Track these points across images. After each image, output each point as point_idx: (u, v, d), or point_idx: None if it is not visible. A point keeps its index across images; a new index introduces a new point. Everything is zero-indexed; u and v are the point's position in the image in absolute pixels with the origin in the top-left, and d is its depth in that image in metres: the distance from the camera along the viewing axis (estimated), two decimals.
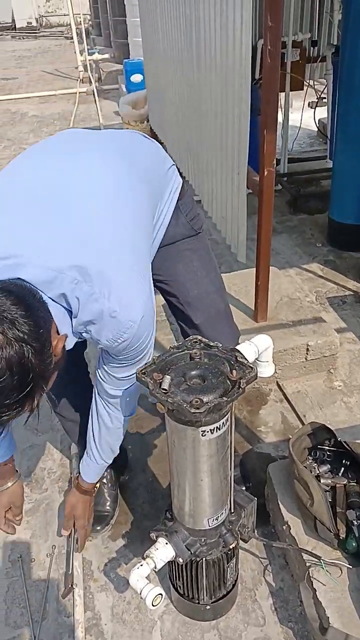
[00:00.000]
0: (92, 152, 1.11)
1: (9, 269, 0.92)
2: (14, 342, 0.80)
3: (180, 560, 1.17)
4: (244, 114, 2.04)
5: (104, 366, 1.16)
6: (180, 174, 1.33)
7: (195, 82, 2.73)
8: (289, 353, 2.02)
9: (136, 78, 5.88)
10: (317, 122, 4.28)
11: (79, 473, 1.39)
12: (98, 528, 1.57)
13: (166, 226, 1.25)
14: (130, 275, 1.01)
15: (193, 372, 1.02)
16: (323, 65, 3.73)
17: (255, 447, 1.82)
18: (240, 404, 1.99)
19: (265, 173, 1.83)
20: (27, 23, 16.35)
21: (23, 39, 15.25)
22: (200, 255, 1.34)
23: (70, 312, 0.99)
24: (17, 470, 1.43)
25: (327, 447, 1.50)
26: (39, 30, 16.19)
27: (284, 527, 1.41)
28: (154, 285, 1.12)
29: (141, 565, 1.14)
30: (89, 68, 8.29)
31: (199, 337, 1.11)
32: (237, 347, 1.21)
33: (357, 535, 1.28)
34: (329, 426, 1.51)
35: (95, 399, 1.26)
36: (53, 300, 0.95)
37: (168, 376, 1.00)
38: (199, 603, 1.31)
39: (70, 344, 1.03)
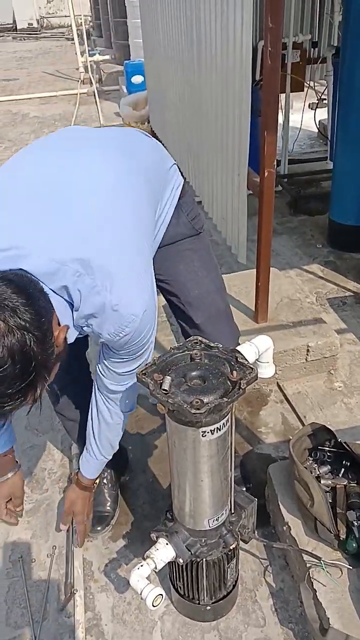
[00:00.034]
0: (93, 149, 1.11)
1: (11, 260, 0.92)
2: (15, 330, 0.80)
3: (181, 560, 1.17)
4: (245, 115, 2.04)
5: (105, 361, 1.15)
6: (181, 174, 1.34)
7: (196, 83, 2.74)
8: (289, 354, 2.02)
9: (137, 79, 5.89)
10: (317, 123, 4.28)
11: (79, 469, 1.39)
12: (98, 528, 1.57)
13: (167, 224, 1.25)
14: (132, 269, 1.01)
15: (193, 373, 1.02)
16: (323, 67, 3.73)
17: (256, 448, 1.82)
18: (241, 404, 1.99)
19: (266, 174, 1.84)
20: (28, 24, 16.38)
21: (24, 40, 15.27)
22: (201, 255, 1.34)
23: (71, 305, 0.99)
24: (17, 462, 1.43)
25: (327, 448, 1.50)
26: (40, 31, 16.22)
27: (284, 527, 1.41)
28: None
29: (141, 565, 1.14)
30: (89, 69, 8.30)
31: (200, 338, 1.11)
32: (238, 348, 1.21)
33: (357, 536, 1.28)
34: (329, 427, 1.51)
35: (95, 394, 1.26)
36: (54, 292, 0.95)
37: (168, 377, 1.00)
38: (199, 604, 1.31)
39: (71, 337, 1.02)
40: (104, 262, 0.96)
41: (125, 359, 1.12)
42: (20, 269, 0.91)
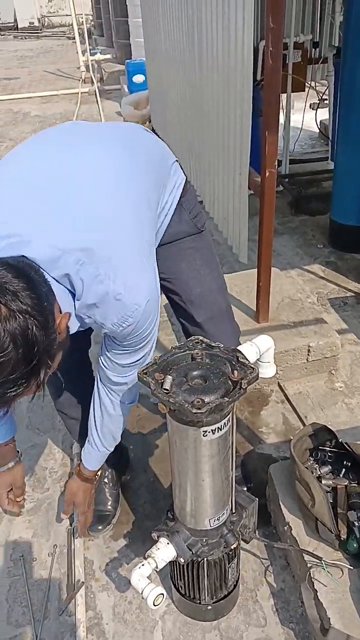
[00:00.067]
0: (94, 145, 1.11)
1: (11, 247, 0.91)
2: (17, 314, 0.79)
3: (182, 560, 1.17)
4: (246, 115, 2.05)
5: (107, 353, 1.15)
6: (183, 172, 1.33)
7: (197, 83, 2.74)
8: (290, 354, 2.02)
9: (138, 78, 5.90)
10: (318, 123, 4.28)
11: (81, 460, 1.39)
12: (100, 527, 1.58)
13: (169, 220, 1.24)
14: (135, 258, 1.00)
15: (195, 373, 1.02)
16: (324, 67, 3.73)
17: (257, 448, 1.82)
18: (242, 404, 1.99)
19: (267, 174, 1.84)
20: (30, 23, 16.40)
21: (25, 39, 15.28)
22: (203, 253, 1.34)
23: (73, 294, 0.98)
24: (18, 451, 1.42)
25: (328, 448, 1.50)
26: (41, 30, 16.23)
27: (285, 527, 1.41)
28: None
29: (142, 565, 1.14)
30: (91, 68, 8.31)
31: (201, 338, 1.11)
32: (239, 348, 1.21)
33: (358, 536, 1.28)
34: (330, 427, 1.51)
35: (97, 386, 1.25)
36: (56, 280, 0.94)
37: (170, 376, 1.00)
38: (200, 603, 1.31)
39: (73, 327, 1.01)
40: (107, 250, 0.95)
41: (128, 351, 1.11)
42: (22, 255, 0.91)
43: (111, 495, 1.64)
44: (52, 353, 0.88)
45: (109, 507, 1.62)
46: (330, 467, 1.47)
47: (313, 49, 3.63)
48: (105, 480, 1.64)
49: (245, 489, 1.48)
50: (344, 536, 1.30)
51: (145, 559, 1.15)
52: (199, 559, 1.20)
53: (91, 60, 8.40)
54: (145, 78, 5.13)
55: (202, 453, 1.06)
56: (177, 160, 1.29)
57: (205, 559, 1.20)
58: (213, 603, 1.31)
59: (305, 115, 3.96)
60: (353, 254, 2.90)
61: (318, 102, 3.91)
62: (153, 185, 1.15)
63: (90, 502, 1.46)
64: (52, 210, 0.96)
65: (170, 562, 1.17)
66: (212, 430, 1.02)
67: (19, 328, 0.79)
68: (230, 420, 1.07)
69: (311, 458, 1.50)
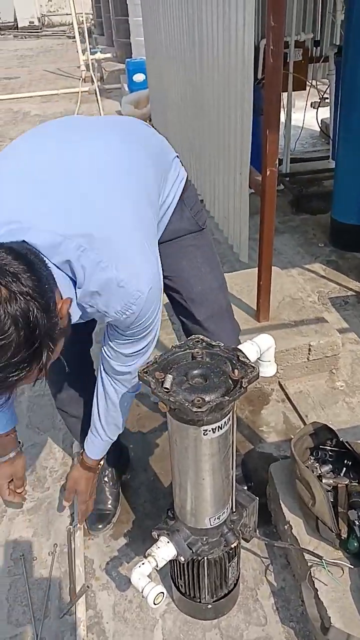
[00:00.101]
0: (93, 140, 1.10)
1: (12, 234, 0.90)
2: (18, 295, 0.77)
3: (182, 559, 1.17)
4: (247, 114, 2.04)
5: (110, 343, 1.14)
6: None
7: (198, 82, 2.74)
8: (291, 353, 2.02)
9: (138, 77, 5.90)
10: (319, 122, 4.28)
11: (84, 449, 1.38)
12: (100, 526, 1.58)
13: (171, 213, 1.24)
14: (138, 245, 1.00)
15: (195, 371, 1.02)
16: (326, 65, 3.73)
17: (257, 447, 1.82)
18: (242, 403, 1.99)
19: (268, 173, 1.84)
20: (30, 22, 16.39)
21: (25, 38, 15.28)
22: (204, 251, 1.34)
23: (74, 282, 0.97)
24: (19, 442, 1.42)
25: (329, 447, 1.50)
26: (41, 29, 16.23)
27: (286, 526, 1.41)
28: None
29: (143, 563, 1.14)
30: (91, 67, 8.30)
31: (201, 337, 1.11)
32: (239, 347, 1.21)
33: (358, 535, 1.28)
34: (330, 426, 1.51)
35: (100, 376, 1.25)
36: (57, 267, 0.93)
37: (170, 375, 1.00)
38: (200, 602, 1.31)
39: (75, 316, 1.00)
40: (109, 237, 0.94)
41: (131, 340, 1.11)
42: (22, 241, 0.90)
43: (111, 494, 1.64)
44: (54, 337, 0.86)
45: (109, 506, 1.62)
46: (330, 466, 1.47)
47: (314, 48, 3.63)
48: (106, 479, 1.64)
49: (245, 488, 1.48)
50: (344, 535, 1.30)
51: (146, 557, 1.15)
52: (199, 558, 1.20)
53: (91, 59, 8.39)
54: (145, 77, 5.12)
55: (202, 452, 1.06)
56: (177, 155, 1.28)
57: (205, 557, 1.20)
58: (213, 602, 1.31)
59: (306, 114, 3.96)
60: (354, 253, 2.90)
61: (319, 100, 3.91)
62: (153, 177, 1.13)
63: (92, 491, 1.45)
64: (52, 200, 0.95)
65: (170, 560, 1.17)
66: (212, 429, 1.02)
67: (20, 310, 0.77)
68: (231, 419, 1.06)
69: (312, 457, 1.50)
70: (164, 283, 1.33)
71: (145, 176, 1.10)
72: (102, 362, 1.22)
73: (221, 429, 1.04)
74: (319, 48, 3.67)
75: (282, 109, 2.04)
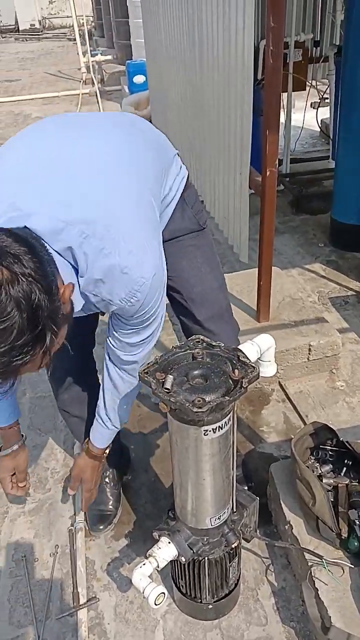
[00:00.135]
0: (92, 139, 1.09)
1: (13, 221, 0.89)
2: (20, 277, 0.76)
3: (183, 559, 1.17)
4: (247, 115, 2.05)
5: (115, 333, 1.14)
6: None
7: (198, 83, 2.74)
8: (291, 353, 2.02)
9: (139, 79, 5.91)
10: (319, 122, 4.28)
11: (89, 438, 1.38)
12: (101, 527, 1.58)
13: (173, 209, 1.23)
14: (139, 233, 0.99)
15: (195, 372, 1.02)
16: (325, 66, 3.73)
17: (258, 447, 1.82)
18: (243, 404, 1.99)
19: (268, 173, 1.84)
20: (30, 25, 16.41)
21: (26, 40, 15.30)
22: (205, 251, 1.34)
23: (76, 270, 0.96)
24: (22, 435, 1.42)
25: (329, 447, 1.50)
26: (42, 32, 16.25)
27: (286, 526, 1.41)
28: None
29: (144, 564, 1.14)
30: (91, 69, 8.32)
31: (202, 337, 1.11)
32: (240, 347, 1.21)
33: (359, 534, 1.28)
34: (331, 426, 1.51)
35: (106, 365, 1.24)
36: (58, 254, 0.93)
37: (171, 375, 1.00)
38: (201, 602, 1.31)
39: (77, 305, 1.00)
40: (112, 224, 0.94)
41: (135, 329, 1.10)
42: (24, 226, 0.89)
43: (112, 495, 1.64)
44: (57, 322, 0.84)
45: (110, 506, 1.62)
46: (331, 465, 1.47)
47: (314, 48, 3.63)
48: (107, 480, 1.64)
49: (246, 488, 1.48)
50: (344, 535, 1.30)
51: (147, 558, 1.16)
52: (200, 558, 1.20)
53: (92, 62, 8.40)
54: (145, 78, 5.13)
55: (203, 452, 1.06)
56: (177, 153, 1.28)
57: (206, 558, 1.20)
58: (214, 602, 1.31)
59: (306, 114, 3.96)
60: (354, 253, 2.90)
61: (319, 101, 3.91)
62: (153, 169, 1.12)
63: (97, 479, 1.45)
64: (53, 190, 0.94)
65: (171, 561, 1.18)
66: (212, 429, 1.02)
67: (22, 292, 0.76)
68: (231, 419, 1.07)
69: (312, 457, 1.50)
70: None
71: (146, 166, 1.09)
72: (109, 353, 1.21)
73: (221, 429, 1.04)
74: (318, 48, 3.67)
75: (282, 110, 2.04)
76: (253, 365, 1.03)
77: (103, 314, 1.24)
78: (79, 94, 7.45)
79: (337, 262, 2.86)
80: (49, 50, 12.95)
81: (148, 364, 1.06)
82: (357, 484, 1.41)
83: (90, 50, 8.82)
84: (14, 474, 1.41)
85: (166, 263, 1.26)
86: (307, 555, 1.31)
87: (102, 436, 1.36)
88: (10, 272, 0.76)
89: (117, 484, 1.67)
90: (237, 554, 1.28)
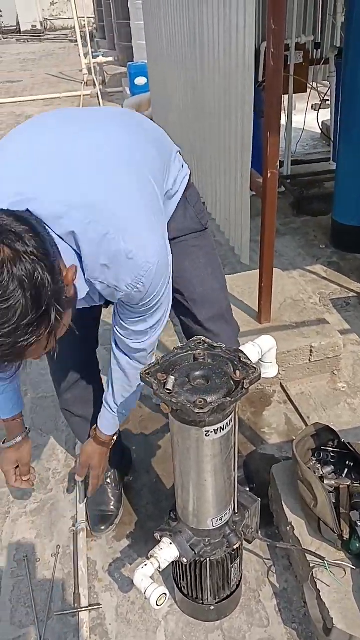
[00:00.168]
0: (92, 131, 1.07)
1: (14, 206, 0.88)
2: (23, 255, 0.75)
3: (185, 560, 1.17)
4: (248, 117, 2.05)
5: (122, 322, 1.14)
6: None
7: (199, 85, 2.75)
8: (292, 354, 2.02)
9: (140, 81, 5.92)
10: (320, 124, 4.29)
11: (96, 425, 1.38)
12: (102, 528, 1.58)
13: (175, 206, 1.23)
14: (143, 218, 0.99)
15: (197, 373, 1.03)
16: (326, 68, 3.74)
17: (259, 449, 1.82)
18: (244, 405, 1.99)
19: (269, 175, 1.84)
20: (32, 26, 16.46)
21: (28, 42, 15.34)
22: (207, 252, 1.35)
23: (79, 256, 0.95)
24: (26, 427, 1.42)
25: (330, 448, 1.50)
26: (43, 33, 16.29)
27: (288, 527, 1.41)
28: None
29: (145, 565, 1.14)
30: (93, 71, 8.33)
31: (203, 338, 1.11)
32: (241, 348, 1.22)
33: None
34: (332, 427, 1.51)
35: (115, 355, 1.24)
36: (61, 238, 0.92)
37: (172, 376, 1.00)
38: (203, 603, 1.31)
39: (82, 292, 0.99)
40: (115, 209, 0.94)
41: (142, 316, 1.10)
42: (26, 209, 0.88)
43: (114, 495, 1.64)
44: (62, 303, 0.83)
45: (112, 507, 1.62)
46: (332, 467, 1.47)
47: (315, 50, 3.64)
48: (108, 480, 1.65)
49: (247, 489, 1.48)
50: (346, 536, 1.30)
51: (148, 559, 1.16)
52: (202, 559, 1.21)
53: (93, 63, 8.41)
54: (147, 80, 5.14)
55: (204, 453, 1.06)
56: (179, 151, 1.28)
57: (207, 559, 1.20)
58: (216, 603, 1.31)
59: (307, 116, 3.96)
60: (355, 255, 2.90)
61: (320, 103, 3.92)
62: (153, 160, 1.11)
63: (105, 466, 1.46)
64: (54, 178, 0.94)
65: (173, 562, 1.18)
66: (214, 430, 1.02)
67: (25, 270, 0.75)
68: (233, 420, 1.07)
69: (314, 458, 1.50)
70: None
71: (147, 158, 1.08)
72: (117, 342, 1.21)
73: (223, 430, 1.04)
74: (319, 50, 3.68)
75: (282, 112, 2.04)
76: (254, 366, 1.03)
77: (106, 306, 1.24)
78: (80, 96, 7.46)
79: (339, 263, 2.86)
80: (50, 51, 12.98)
81: (150, 365, 1.06)
82: (358, 485, 1.41)
83: (92, 52, 8.82)
84: (18, 466, 1.41)
85: None
86: (309, 557, 1.31)
87: (110, 423, 1.36)
88: (12, 249, 0.74)
89: (118, 485, 1.67)
90: (238, 555, 1.28)
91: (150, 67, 4.59)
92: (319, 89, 3.89)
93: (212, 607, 1.32)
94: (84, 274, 0.98)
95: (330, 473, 1.46)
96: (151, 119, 1.23)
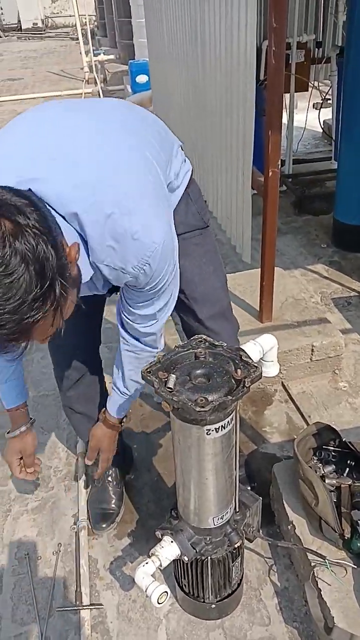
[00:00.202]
0: (95, 120, 1.06)
1: (17, 186, 0.86)
2: (24, 229, 0.73)
3: (186, 558, 1.18)
4: (249, 115, 2.05)
5: (129, 307, 1.13)
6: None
7: (201, 83, 2.74)
8: (293, 353, 2.02)
9: (141, 79, 5.90)
10: (321, 123, 4.28)
11: (106, 408, 1.38)
12: (104, 526, 1.59)
13: (177, 201, 1.23)
14: (147, 199, 0.98)
15: (198, 371, 1.03)
16: (328, 67, 3.73)
17: (260, 447, 1.82)
18: (245, 404, 1.99)
19: (270, 174, 1.84)
20: (33, 24, 16.42)
21: (29, 39, 15.31)
22: (208, 250, 1.35)
23: (82, 238, 0.94)
24: (31, 418, 1.42)
25: (332, 448, 1.50)
26: (44, 31, 16.26)
27: (289, 526, 1.42)
28: None
29: (146, 563, 1.14)
30: (94, 69, 8.32)
31: (204, 337, 1.11)
32: (242, 347, 1.22)
33: None
34: (333, 426, 1.51)
35: (123, 338, 1.23)
36: (64, 218, 0.91)
37: (173, 375, 1.00)
38: (204, 602, 1.31)
39: (86, 275, 0.98)
40: (119, 191, 0.93)
41: (149, 300, 1.10)
42: (28, 189, 0.86)
43: (115, 493, 1.64)
44: (66, 279, 0.81)
45: (113, 505, 1.62)
46: (334, 466, 1.47)
47: (316, 49, 3.63)
48: (109, 478, 1.65)
49: (249, 488, 1.48)
50: (347, 535, 1.30)
51: (149, 557, 1.16)
52: (203, 558, 1.21)
53: (94, 61, 8.40)
54: (148, 78, 5.13)
55: (205, 451, 1.06)
56: (181, 146, 1.28)
57: (209, 557, 1.21)
58: (217, 602, 1.31)
59: (308, 115, 3.96)
60: (356, 254, 2.90)
61: (321, 101, 3.91)
62: (156, 149, 1.09)
63: (114, 449, 1.46)
64: (55, 161, 0.93)
65: (174, 560, 1.18)
66: (215, 428, 1.02)
67: (28, 244, 0.73)
68: (234, 419, 1.07)
69: (315, 457, 1.51)
70: None
71: (150, 144, 1.07)
72: (126, 328, 1.21)
73: (224, 428, 1.04)
74: (321, 49, 3.68)
75: (284, 110, 2.04)
76: (256, 365, 1.03)
77: (110, 294, 1.24)
78: (81, 93, 7.45)
79: (340, 262, 2.86)
80: (51, 49, 12.96)
81: (150, 363, 1.06)
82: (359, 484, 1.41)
83: (93, 50, 8.81)
84: (22, 458, 1.41)
85: None
86: (310, 556, 1.31)
87: (118, 405, 1.35)
88: (13, 223, 0.73)
89: (119, 483, 1.67)
90: (239, 553, 1.28)
91: (151, 65, 4.58)
92: (320, 87, 3.89)
93: (213, 606, 1.32)
94: (89, 257, 0.97)
95: (332, 472, 1.46)
96: None
